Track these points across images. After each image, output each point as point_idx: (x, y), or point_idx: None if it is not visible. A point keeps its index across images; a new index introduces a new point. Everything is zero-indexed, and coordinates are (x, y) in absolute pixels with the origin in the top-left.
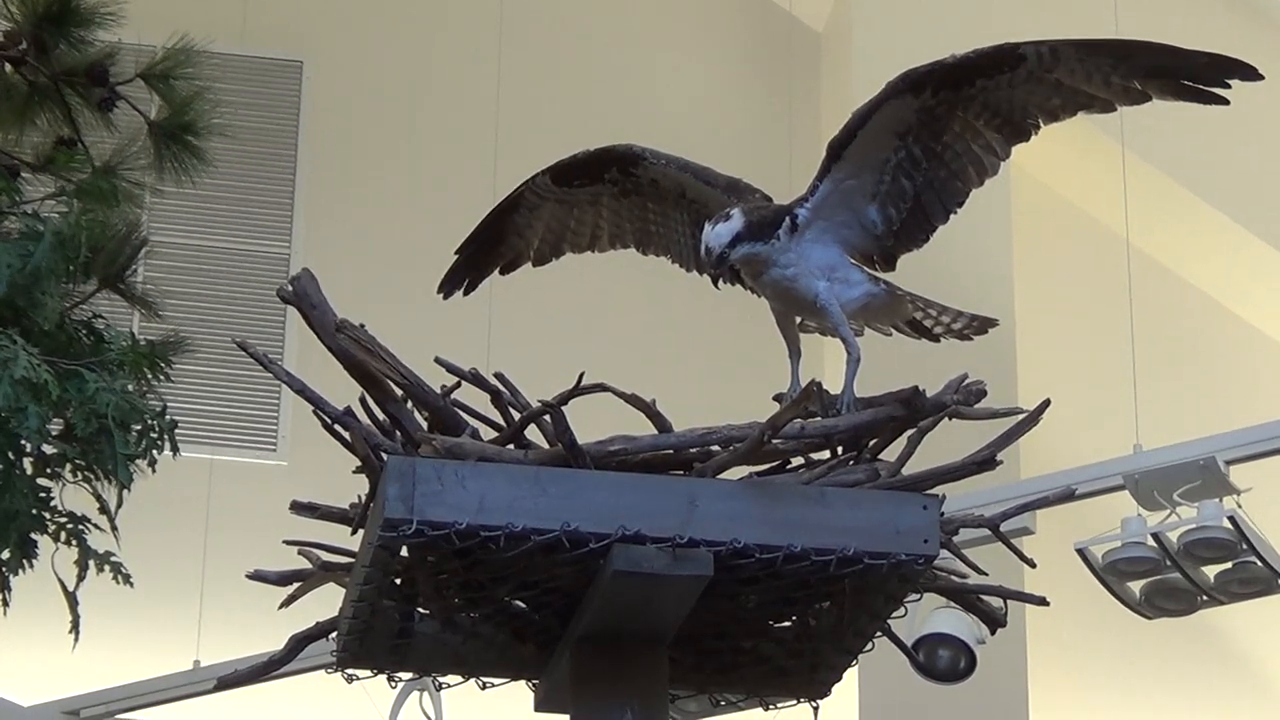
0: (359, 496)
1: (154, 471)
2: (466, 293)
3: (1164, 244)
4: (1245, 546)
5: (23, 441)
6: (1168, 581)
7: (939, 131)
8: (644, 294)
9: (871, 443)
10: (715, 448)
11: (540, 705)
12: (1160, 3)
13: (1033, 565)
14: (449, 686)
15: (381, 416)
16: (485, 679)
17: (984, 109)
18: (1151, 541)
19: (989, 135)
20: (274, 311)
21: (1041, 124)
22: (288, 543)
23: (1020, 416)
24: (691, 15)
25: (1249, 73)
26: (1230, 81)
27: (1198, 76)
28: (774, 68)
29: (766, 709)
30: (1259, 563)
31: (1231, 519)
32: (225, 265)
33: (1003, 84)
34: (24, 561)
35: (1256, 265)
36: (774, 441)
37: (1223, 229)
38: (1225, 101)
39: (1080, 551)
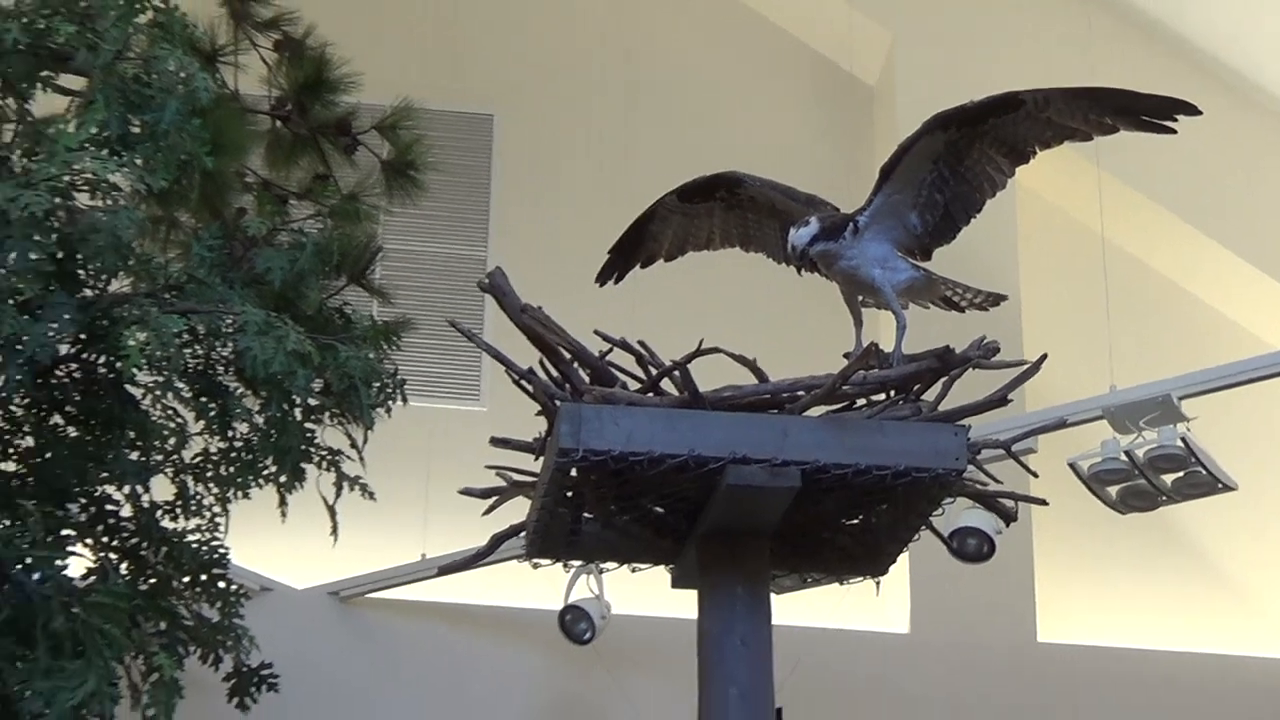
0: (540, 433)
1: (389, 416)
2: (617, 281)
3: (1130, 237)
4: (1194, 460)
5: (294, 396)
6: (1136, 486)
7: (961, 157)
8: (747, 280)
9: (916, 387)
10: (801, 393)
11: (676, 584)
12: (1126, 59)
13: (1035, 475)
14: (608, 570)
15: (555, 374)
16: (635, 565)
17: (995, 140)
18: (1124, 457)
19: (999, 160)
20: (475, 298)
21: (1038, 150)
22: (489, 467)
23: (1025, 366)
24: (774, 76)
25: (1190, 109)
26: (1177, 115)
27: (1152, 112)
28: (837, 113)
29: (842, 584)
30: (1204, 471)
31: (1183, 440)
32: (439, 265)
33: (1008, 122)
34: (296, 483)
35: (1201, 252)
36: (844, 388)
37: (1175, 225)
38: (1173, 131)
39: (1071, 465)
